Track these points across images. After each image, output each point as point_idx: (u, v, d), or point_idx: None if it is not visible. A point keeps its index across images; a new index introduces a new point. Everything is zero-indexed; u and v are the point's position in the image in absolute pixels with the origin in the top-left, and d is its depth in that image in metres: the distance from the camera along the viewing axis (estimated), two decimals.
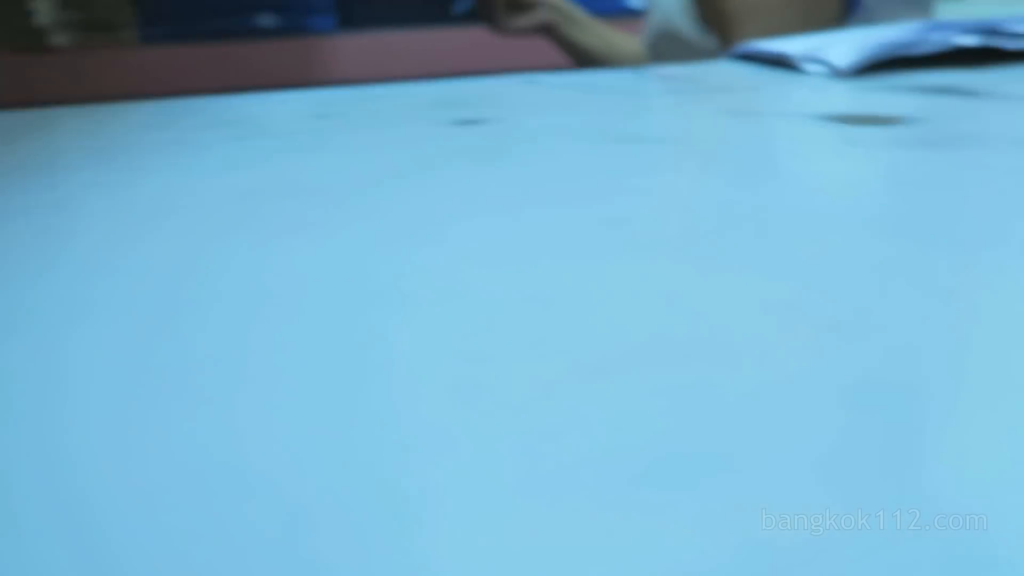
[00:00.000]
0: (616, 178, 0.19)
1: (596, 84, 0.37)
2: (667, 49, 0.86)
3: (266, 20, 1.23)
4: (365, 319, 0.11)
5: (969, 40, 0.34)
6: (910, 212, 0.15)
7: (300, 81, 1.25)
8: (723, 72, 0.41)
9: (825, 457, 0.07)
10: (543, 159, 0.22)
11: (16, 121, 0.34)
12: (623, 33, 1.00)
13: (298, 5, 1.23)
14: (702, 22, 0.77)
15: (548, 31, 0.92)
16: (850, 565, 0.06)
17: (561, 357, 0.10)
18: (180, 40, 1.21)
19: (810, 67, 0.37)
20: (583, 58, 0.95)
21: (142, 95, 1.21)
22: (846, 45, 0.36)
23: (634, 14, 1.32)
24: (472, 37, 1.27)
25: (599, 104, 0.31)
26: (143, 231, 0.17)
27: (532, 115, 0.28)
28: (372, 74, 1.26)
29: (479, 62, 1.29)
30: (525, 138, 0.24)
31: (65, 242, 0.16)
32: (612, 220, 0.15)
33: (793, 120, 0.26)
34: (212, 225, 0.17)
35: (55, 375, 0.10)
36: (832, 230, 0.14)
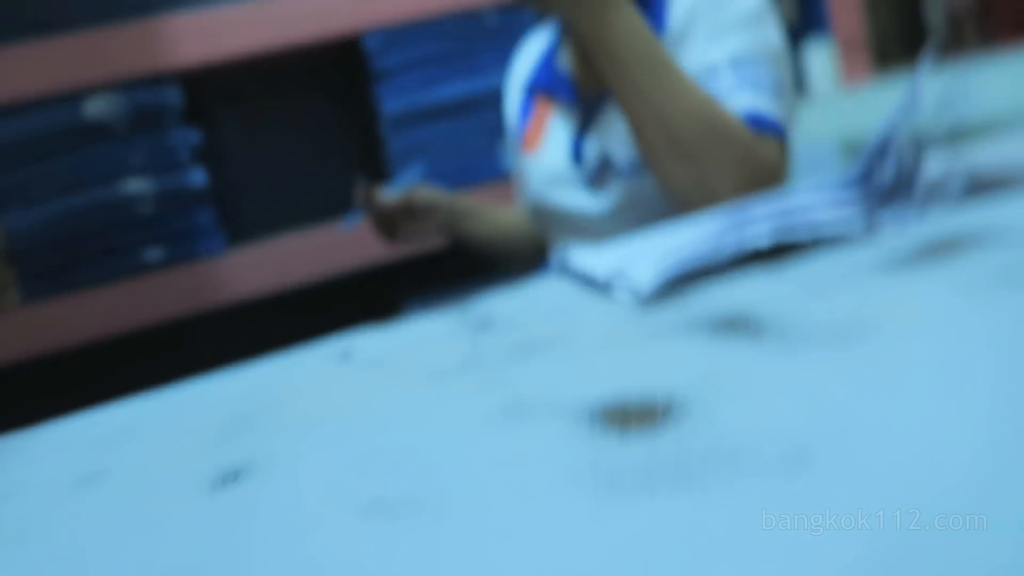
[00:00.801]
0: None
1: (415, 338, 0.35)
2: (545, 220, 0.88)
3: (153, 254, 1.22)
4: None
5: (764, 240, 0.34)
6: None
7: (194, 307, 1.23)
8: (536, 300, 0.40)
9: None
10: None
11: None
12: (506, 209, 1.03)
13: (183, 232, 1.23)
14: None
15: (444, 231, 0.93)
16: None
17: None
18: (65, 291, 1.19)
19: (617, 291, 0.35)
20: (484, 248, 0.97)
21: (30, 356, 1.18)
22: (647, 264, 0.35)
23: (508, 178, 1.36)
24: (359, 227, 1.29)
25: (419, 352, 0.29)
26: None
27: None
28: (268, 286, 1.26)
29: (375, 253, 1.30)
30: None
31: None
32: None
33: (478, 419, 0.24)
34: None
35: None
36: None
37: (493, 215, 0.99)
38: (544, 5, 0.68)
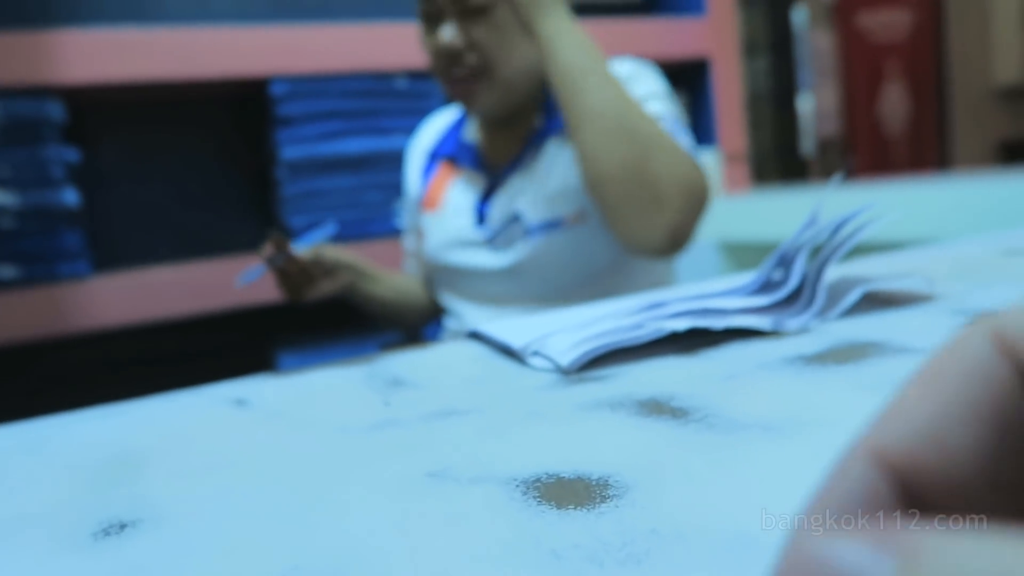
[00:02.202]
0: None
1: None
2: (443, 275, 0.89)
3: (6, 272, 1.12)
4: None
5: (681, 324, 0.35)
6: None
7: (49, 331, 1.12)
8: (451, 359, 0.39)
9: None
10: None
11: None
12: (399, 274, 1.03)
13: (46, 252, 1.14)
14: None
15: (346, 290, 0.92)
16: None
17: None
18: None
19: (535, 361, 0.35)
20: (378, 308, 0.96)
21: None
22: (566, 337, 0.35)
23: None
24: (236, 267, 1.23)
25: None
26: None
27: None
28: (132, 315, 1.17)
29: (246, 295, 1.24)
30: None
31: None
32: None
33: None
34: None
35: None
36: None
37: (390, 278, 0.98)
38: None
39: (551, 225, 0.81)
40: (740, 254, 1.57)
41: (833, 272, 0.47)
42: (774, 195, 1.43)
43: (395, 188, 1.36)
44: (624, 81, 0.82)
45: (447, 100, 1.41)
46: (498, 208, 0.84)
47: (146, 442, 0.30)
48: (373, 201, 1.36)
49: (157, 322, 1.39)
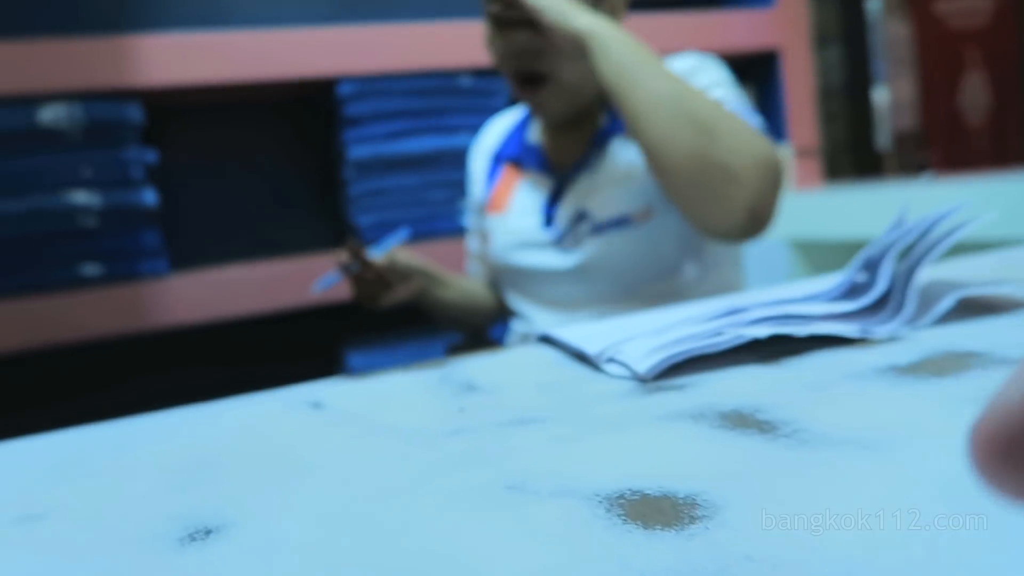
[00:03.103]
0: None
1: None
2: (510, 276, 0.89)
3: (91, 269, 1.16)
4: None
5: (762, 331, 0.34)
6: None
7: (129, 327, 1.17)
8: (525, 362, 0.38)
9: None
10: None
11: None
12: (465, 277, 1.03)
13: (126, 250, 1.18)
14: None
15: (418, 295, 0.93)
16: None
17: None
18: None
19: (610, 368, 0.35)
20: (447, 312, 0.97)
21: None
22: (643, 344, 0.34)
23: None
24: (306, 266, 1.26)
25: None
26: None
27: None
28: (207, 313, 1.21)
29: (308, 290, 1.27)
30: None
31: None
32: None
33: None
34: None
35: None
36: None
37: (457, 282, 0.99)
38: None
39: (618, 223, 0.80)
40: (812, 252, 1.52)
41: (924, 276, 0.45)
42: (848, 191, 1.38)
43: (460, 186, 1.37)
44: (686, 75, 0.81)
45: (511, 98, 1.41)
46: (565, 209, 0.83)
47: (227, 444, 0.30)
48: (438, 199, 1.37)
49: (229, 319, 1.43)
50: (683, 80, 0.69)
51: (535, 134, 0.91)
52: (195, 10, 1.39)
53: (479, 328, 1.05)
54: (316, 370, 1.49)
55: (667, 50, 1.42)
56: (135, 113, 1.17)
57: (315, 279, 1.25)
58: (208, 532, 0.22)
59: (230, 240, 1.44)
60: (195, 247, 1.41)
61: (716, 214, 0.67)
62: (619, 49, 0.69)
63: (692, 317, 0.36)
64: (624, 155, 0.82)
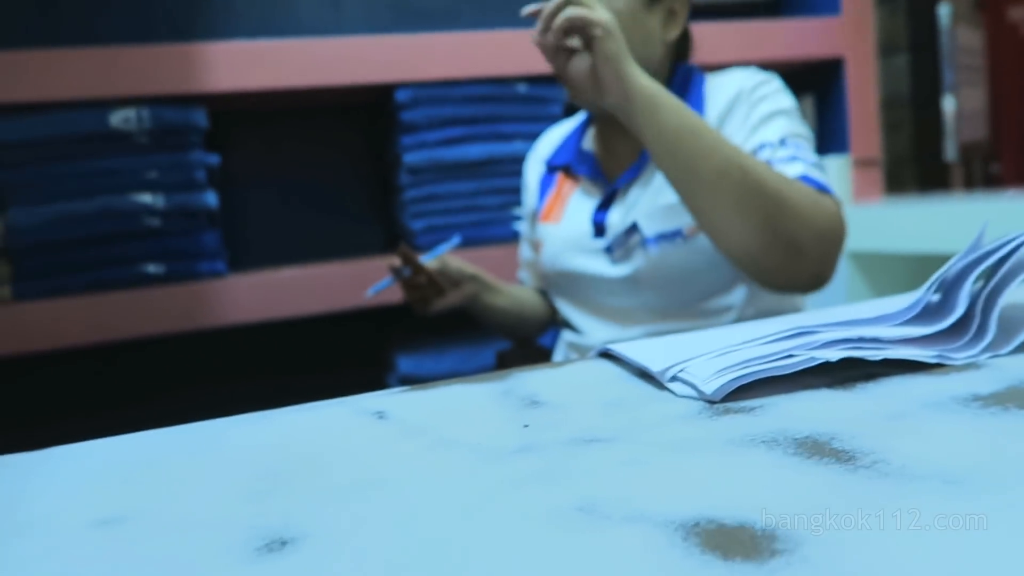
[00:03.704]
0: None
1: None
2: (563, 282, 0.88)
3: (153, 268, 1.20)
4: None
5: (834, 354, 0.33)
6: None
7: (189, 326, 1.20)
8: (585, 377, 0.38)
9: None
10: None
11: None
12: (516, 285, 1.04)
13: (188, 251, 1.21)
14: None
15: (469, 301, 0.93)
16: None
17: None
18: (58, 293, 1.15)
19: (675, 386, 0.34)
20: (496, 319, 0.97)
21: (17, 352, 1.14)
22: (709, 363, 0.34)
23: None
24: (359, 270, 1.27)
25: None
26: None
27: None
28: (260, 313, 1.23)
29: (360, 293, 1.28)
30: None
31: None
32: None
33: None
34: None
35: None
36: None
37: (508, 289, 0.99)
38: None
39: (669, 236, 0.79)
40: (871, 265, 1.48)
41: (1006, 300, 0.43)
42: (911, 203, 1.34)
43: (513, 192, 1.37)
44: (745, 95, 0.79)
45: (567, 105, 1.40)
46: (615, 218, 0.83)
47: (296, 452, 0.31)
48: (491, 205, 1.37)
49: (283, 320, 1.45)
50: (739, 151, 0.66)
51: (589, 141, 0.91)
52: (259, 19, 1.43)
53: (528, 335, 1.05)
54: (366, 372, 1.51)
55: (727, 60, 1.40)
56: (200, 118, 1.20)
57: (368, 283, 1.26)
58: (283, 543, 0.23)
59: (286, 242, 1.46)
60: (253, 249, 1.44)
61: (779, 281, 0.70)
62: (671, 110, 0.66)
63: (759, 337, 0.36)
64: None
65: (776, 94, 0.80)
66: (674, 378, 0.35)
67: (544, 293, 1.04)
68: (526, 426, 0.32)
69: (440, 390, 0.39)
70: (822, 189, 0.71)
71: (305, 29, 1.45)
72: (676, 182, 0.67)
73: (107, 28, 1.36)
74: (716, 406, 0.32)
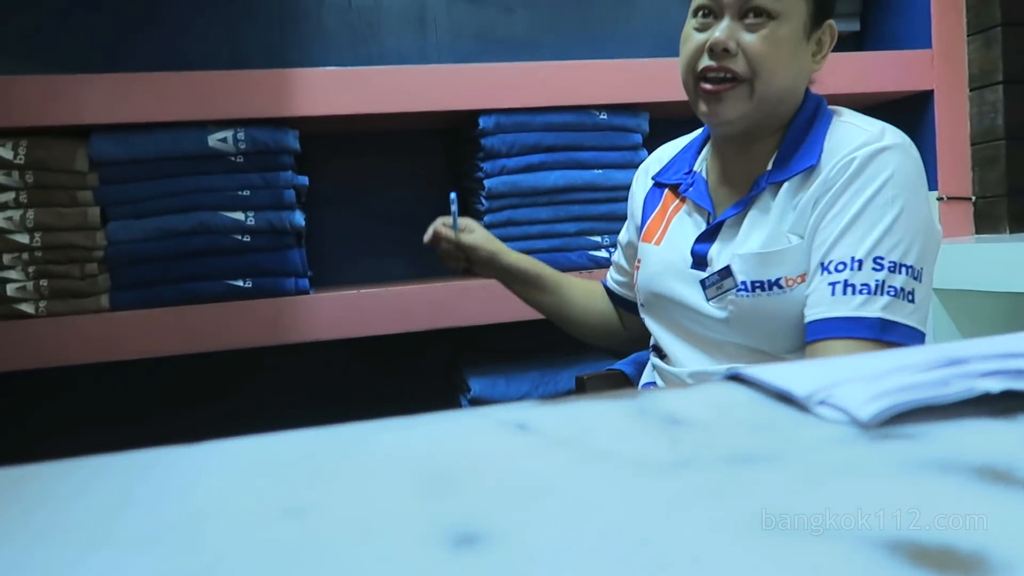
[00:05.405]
0: None
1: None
2: (659, 304, 0.87)
3: (241, 283, 1.23)
4: None
5: (995, 385, 0.32)
6: None
7: (271, 341, 1.23)
8: (720, 402, 0.38)
9: None
10: None
11: None
12: (582, 282, 1.06)
13: (274, 268, 1.25)
14: None
15: (480, 270, 1.03)
16: None
17: None
18: (152, 304, 1.20)
19: (821, 410, 0.34)
20: (543, 312, 1.04)
21: (113, 360, 1.18)
22: (862, 389, 0.33)
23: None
24: (434, 293, 1.29)
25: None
26: None
27: None
28: (339, 331, 1.26)
29: (451, 315, 1.29)
30: None
31: None
32: None
33: None
34: None
35: None
36: None
37: (559, 287, 1.04)
38: None
39: (765, 286, 0.77)
40: (957, 302, 1.44)
41: None
42: (1002, 241, 1.30)
43: (589, 220, 1.38)
44: (877, 190, 0.73)
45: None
46: (715, 253, 0.81)
47: (451, 457, 0.31)
48: (568, 232, 1.38)
49: (361, 338, 1.48)
50: None
51: (702, 163, 0.89)
52: (350, 49, 1.47)
53: (592, 337, 1.06)
54: (438, 392, 1.52)
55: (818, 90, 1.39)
56: (292, 140, 1.25)
57: (444, 305, 1.28)
58: (470, 540, 0.23)
59: (367, 262, 1.49)
60: (334, 268, 1.48)
61: None
62: None
63: (910, 364, 0.35)
64: (785, 211, 0.78)
65: (887, 187, 0.73)
66: (821, 402, 0.34)
67: (619, 298, 1.04)
68: (675, 442, 0.32)
69: (573, 405, 0.39)
70: (894, 335, 0.70)
71: (392, 58, 1.49)
72: None
73: (207, 56, 1.42)
74: (872, 431, 0.31)
